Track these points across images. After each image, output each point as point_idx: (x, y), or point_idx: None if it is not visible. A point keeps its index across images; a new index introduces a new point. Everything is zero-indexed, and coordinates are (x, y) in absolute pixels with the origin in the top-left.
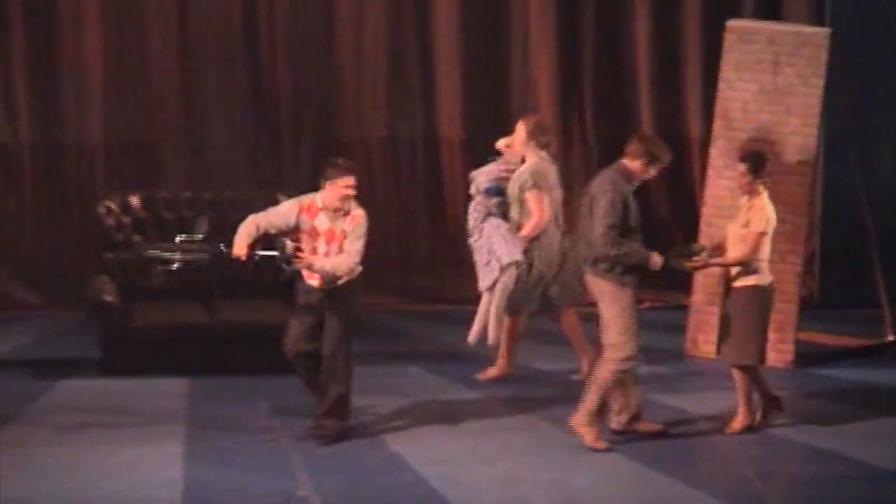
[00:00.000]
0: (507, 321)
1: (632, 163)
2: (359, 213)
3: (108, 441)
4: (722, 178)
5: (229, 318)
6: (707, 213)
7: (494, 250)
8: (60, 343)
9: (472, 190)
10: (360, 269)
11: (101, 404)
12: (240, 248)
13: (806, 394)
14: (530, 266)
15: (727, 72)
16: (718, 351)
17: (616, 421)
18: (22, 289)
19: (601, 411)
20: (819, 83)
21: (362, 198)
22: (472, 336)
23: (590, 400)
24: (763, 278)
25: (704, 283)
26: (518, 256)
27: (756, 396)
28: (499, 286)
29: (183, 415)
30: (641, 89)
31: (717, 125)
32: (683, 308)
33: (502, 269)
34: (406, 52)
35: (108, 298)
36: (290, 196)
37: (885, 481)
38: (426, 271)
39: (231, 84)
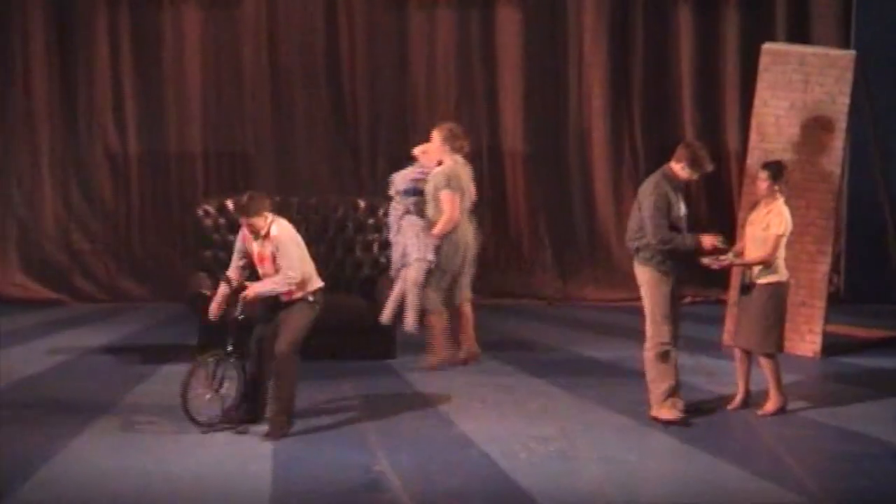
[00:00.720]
0: (445, 312)
1: (676, 165)
2: (276, 234)
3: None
4: (755, 185)
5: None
6: (743, 216)
7: (407, 246)
8: (163, 332)
9: (392, 191)
10: (297, 279)
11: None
12: (213, 312)
13: (832, 380)
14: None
15: (762, 90)
16: (736, 340)
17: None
18: (130, 283)
19: (673, 391)
20: (845, 101)
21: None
22: (385, 317)
23: (653, 388)
24: (782, 276)
25: (740, 280)
26: (428, 255)
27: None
28: (409, 279)
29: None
30: (685, 105)
31: (753, 138)
32: (721, 303)
33: (410, 264)
34: (472, 75)
35: (206, 292)
36: (368, 201)
37: None
38: (491, 269)
39: (315, 104)
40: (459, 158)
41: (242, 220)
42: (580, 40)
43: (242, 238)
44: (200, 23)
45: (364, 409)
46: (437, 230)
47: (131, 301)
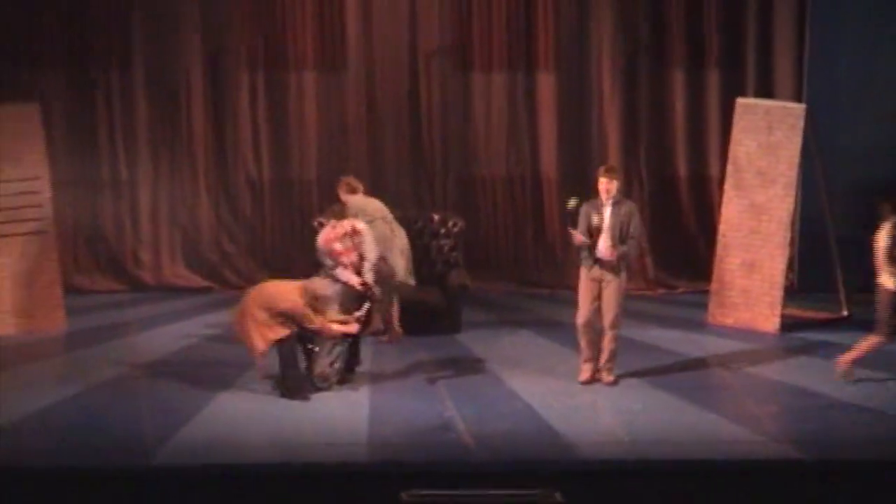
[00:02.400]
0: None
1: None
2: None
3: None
4: (731, 204)
5: (401, 296)
6: (722, 228)
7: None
8: None
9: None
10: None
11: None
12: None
13: (789, 350)
14: None
15: (736, 132)
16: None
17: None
18: (263, 275)
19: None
20: (798, 141)
21: (489, 223)
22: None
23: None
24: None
25: (721, 275)
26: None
27: None
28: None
29: (368, 364)
30: (678, 142)
31: (729, 168)
32: (706, 292)
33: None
34: (518, 120)
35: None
36: (441, 215)
37: (842, 409)
38: (531, 267)
39: (401, 142)
40: (357, 197)
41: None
42: (600, 95)
43: (332, 238)
44: (316, 82)
45: (437, 371)
46: None
47: None
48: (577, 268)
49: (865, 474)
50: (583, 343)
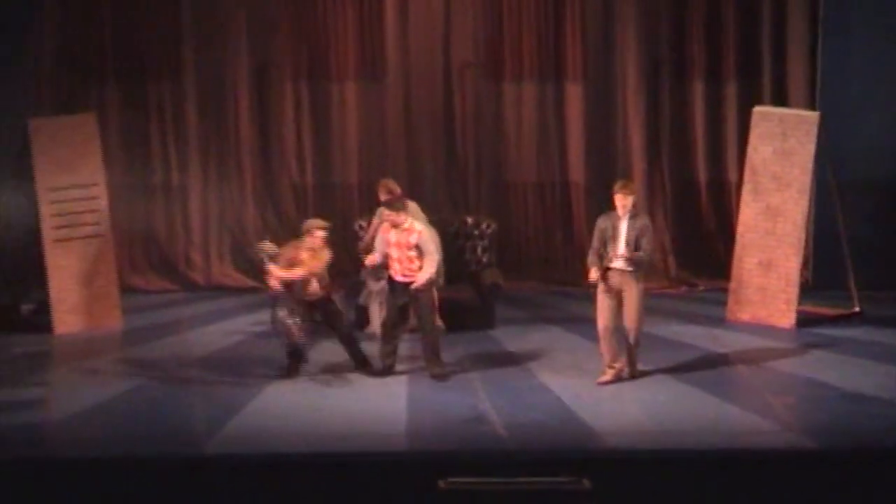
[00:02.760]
0: None
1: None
2: (418, 228)
3: (355, 372)
4: (748, 207)
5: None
6: (739, 230)
7: None
8: None
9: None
10: None
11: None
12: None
13: (805, 344)
14: None
15: (753, 139)
16: None
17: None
18: None
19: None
20: (811, 147)
21: (520, 225)
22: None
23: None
24: None
25: (739, 273)
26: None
27: None
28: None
29: (405, 356)
30: (699, 150)
31: (747, 173)
32: (725, 290)
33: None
34: (548, 128)
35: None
36: (474, 218)
37: (856, 399)
38: (560, 267)
39: (437, 149)
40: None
41: (392, 215)
42: (624, 105)
43: (384, 231)
44: (357, 92)
45: (472, 364)
46: None
47: None
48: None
49: (877, 463)
50: (603, 348)
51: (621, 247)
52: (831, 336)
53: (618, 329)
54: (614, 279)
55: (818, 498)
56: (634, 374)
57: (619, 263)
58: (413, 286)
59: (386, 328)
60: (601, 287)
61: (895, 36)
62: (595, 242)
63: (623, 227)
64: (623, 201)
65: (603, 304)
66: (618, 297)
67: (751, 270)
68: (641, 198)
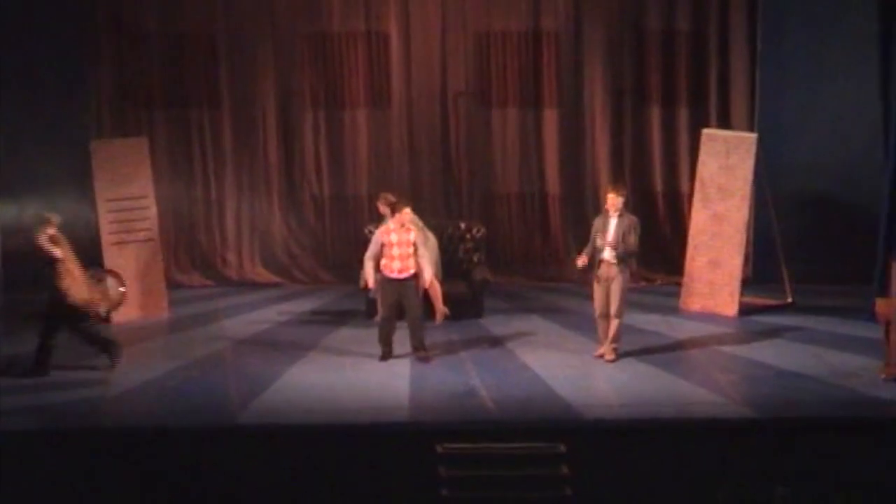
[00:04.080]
0: None
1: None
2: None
3: (366, 355)
4: (698, 214)
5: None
6: (691, 233)
7: None
8: (342, 302)
9: None
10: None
11: (366, 337)
12: (369, 281)
13: (746, 330)
14: None
15: (702, 156)
16: None
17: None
18: (325, 273)
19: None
20: (751, 163)
21: (505, 229)
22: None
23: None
24: None
25: (690, 270)
26: None
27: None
28: None
29: (407, 341)
30: (656, 165)
31: (697, 185)
32: (678, 284)
33: None
34: (528, 147)
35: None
36: (467, 223)
37: (789, 376)
38: (539, 263)
39: (435, 165)
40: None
41: (404, 215)
42: (592, 127)
43: (385, 232)
44: (367, 118)
45: (464, 347)
46: None
47: (325, 284)
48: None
49: (808, 430)
50: (599, 329)
51: (610, 241)
52: (768, 323)
53: (609, 314)
54: (604, 270)
55: (757, 459)
56: (610, 358)
57: (607, 256)
58: (423, 282)
59: (385, 325)
60: (595, 277)
61: (824, 68)
62: (591, 237)
63: (612, 224)
64: (614, 201)
65: (596, 292)
66: (607, 285)
67: (700, 267)
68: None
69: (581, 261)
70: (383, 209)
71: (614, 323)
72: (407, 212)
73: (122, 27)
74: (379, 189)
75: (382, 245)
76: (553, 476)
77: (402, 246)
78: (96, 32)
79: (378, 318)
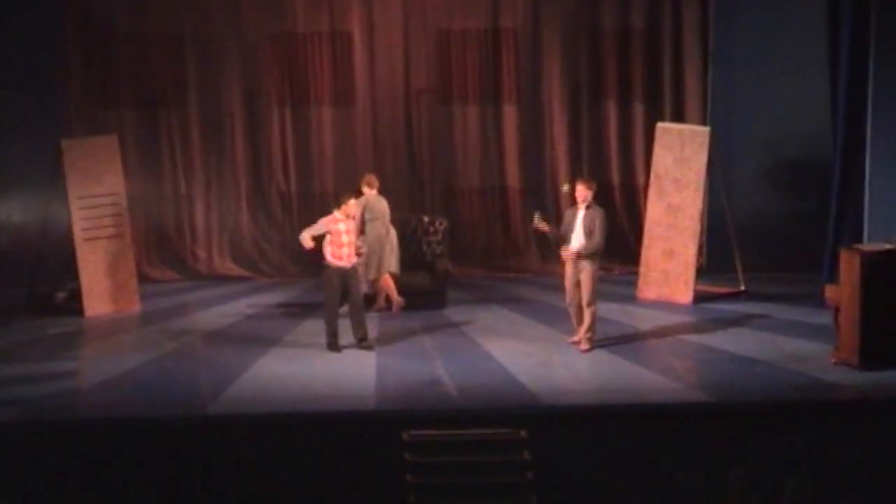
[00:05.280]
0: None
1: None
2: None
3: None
4: (654, 206)
5: (400, 280)
6: (647, 224)
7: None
8: (309, 295)
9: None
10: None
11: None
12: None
13: (700, 317)
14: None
15: (657, 149)
16: None
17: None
18: (292, 267)
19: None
20: (704, 156)
21: (467, 222)
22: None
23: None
24: None
25: (646, 259)
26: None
27: None
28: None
29: (375, 332)
30: (612, 159)
31: (652, 177)
32: (635, 273)
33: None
34: (489, 142)
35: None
36: (430, 217)
37: (742, 362)
38: (500, 256)
39: (399, 161)
40: (372, 192)
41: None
42: (551, 122)
43: (333, 221)
44: (331, 115)
45: (428, 337)
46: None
47: (292, 277)
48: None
49: (761, 412)
50: (572, 316)
51: (577, 233)
52: (722, 310)
53: (578, 301)
54: (573, 261)
55: (713, 441)
56: (584, 348)
57: (574, 247)
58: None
59: (335, 312)
60: (566, 267)
61: (774, 64)
62: (562, 227)
63: (579, 216)
64: (582, 193)
65: (567, 280)
66: (576, 276)
67: (656, 257)
68: (565, 198)
69: (541, 226)
70: (365, 191)
71: (588, 312)
72: (353, 203)
73: (92, 28)
74: (344, 185)
75: (329, 234)
76: (515, 461)
77: (349, 234)
78: (65, 33)
79: (327, 308)
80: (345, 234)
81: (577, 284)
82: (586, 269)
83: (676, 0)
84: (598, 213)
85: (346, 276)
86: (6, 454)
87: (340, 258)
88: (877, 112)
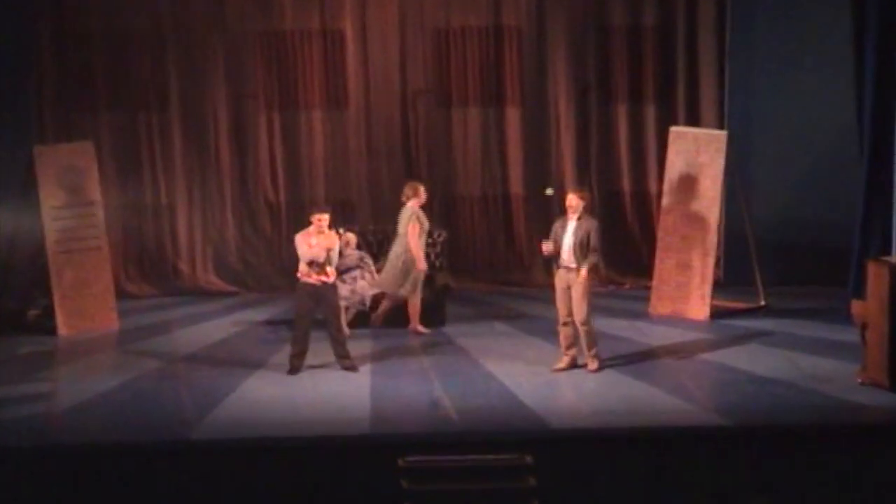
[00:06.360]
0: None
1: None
2: (332, 234)
3: (324, 366)
4: (667, 215)
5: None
6: (660, 234)
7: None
8: None
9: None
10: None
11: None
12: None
13: (718, 334)
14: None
15: (670, 155)
16: None
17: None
18: (280, 280)
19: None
20: (721, 162)
21: (468, 233)
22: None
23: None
24: None
25: (660, 272)
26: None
27: None
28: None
29: (371, 350)
30: (623, 165)
31: (665, 185)
32: (647, 287)
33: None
34: (490, 147)
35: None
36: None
37: (762, 382)
38: (503, 268)
39: (394, 168)
40: (412, 203)
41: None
42: (557, 126)
43: (307, 235)
44: (322, 119)
45: (426, 356)
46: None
47: (281, 292)
48: (543, 270)
49: (782, 437)
50: (560, 337)
51: (567, 247)
52: (740, 327)
53: (573, 321)
54: (562, 276)
55: (730, 468)
56: (592, 368)
57: (565, 261)
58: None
59: (302, 330)
60: (556, 283)
61: (796, 60)
62: (550, 239)
63: (570, 228)
64: (572, 202)
65: (559, 299)
66: (568, 292)
67: (670, 270)
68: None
69: (546, 247)
70: (415, 201)
71: (582, 330)
72: (325, 217)
73: (65, 26)
74: (336, 193)
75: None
76: (520, 489)
77: (322, 251)
78: (37, 32)
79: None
80: (318, 249)
81: (569, 301)
82: (577, 284)
83: None
84: (592, 224)
85: (319, 294)
86: None
87: (310, 275)
88: None
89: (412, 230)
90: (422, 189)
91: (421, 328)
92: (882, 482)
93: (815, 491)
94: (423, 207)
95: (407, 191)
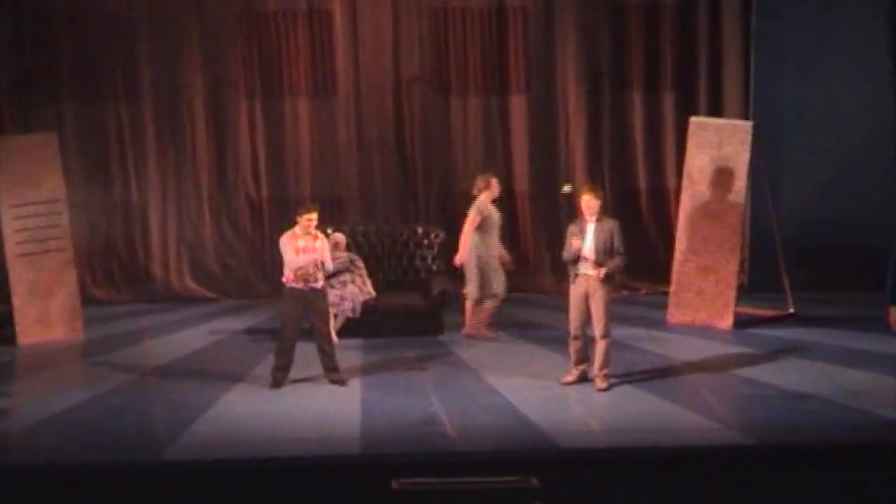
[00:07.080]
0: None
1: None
2: (321, 236)
3: (310, 380)
4: (687, 213)
5: (389, 301)
6: (679, 235)
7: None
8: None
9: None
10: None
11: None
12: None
13: (742, 345)
14: None
15: (690, 148)
16: None
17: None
18: (262, 286)
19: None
20: (746, 155)
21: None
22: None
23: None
24: None
25: (679, 277)
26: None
27: None
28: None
29: (361, 362)
30: (638, 158)
31: (685, 181)
32: (665, 294)
33: None
34: (493, 140)
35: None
36: (424, 228)
37: (792, 397)
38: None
39: (387, 162)
40: (484, 196)
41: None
42: (566, 116)
43: (292, 237)
44: (309, 108)
45: (422, 368)
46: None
47: (263, 298)
48: (551, 274)
49: (814, 457)
50: (571, 350)
51: (589, 250)
52: (767, 336)
53: (585, 334)
54: (581, 284)
55: (759, 492)
56: (601, 387)
57: (585, 268)
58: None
59: (287, 341)
60: (572, 291)
61: (825, 46)
62: (567, 245)
63: (590, 230)
64: (590, 204)
65: (573, 308)
66: (586, 301)
67: (690, 274)
68: None
69: (577, 242)
70: (486, 194)
71: (601, 345)
72: (314, 217)
73: (24, 6)
74: (323, 189)
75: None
76: None
77: (311, 254)
78: None
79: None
80: (309, 252)
81: (586, 311)
82: (598, 292)
83: None
84: (614, 225)
85: (307, 300)
86: None
87: (296, 280)
88: None
89: (470, 221)
90: (494, 182)
91: (480, 332)
92: None
93: None
94: (494, 202)
95: (479, 183)
